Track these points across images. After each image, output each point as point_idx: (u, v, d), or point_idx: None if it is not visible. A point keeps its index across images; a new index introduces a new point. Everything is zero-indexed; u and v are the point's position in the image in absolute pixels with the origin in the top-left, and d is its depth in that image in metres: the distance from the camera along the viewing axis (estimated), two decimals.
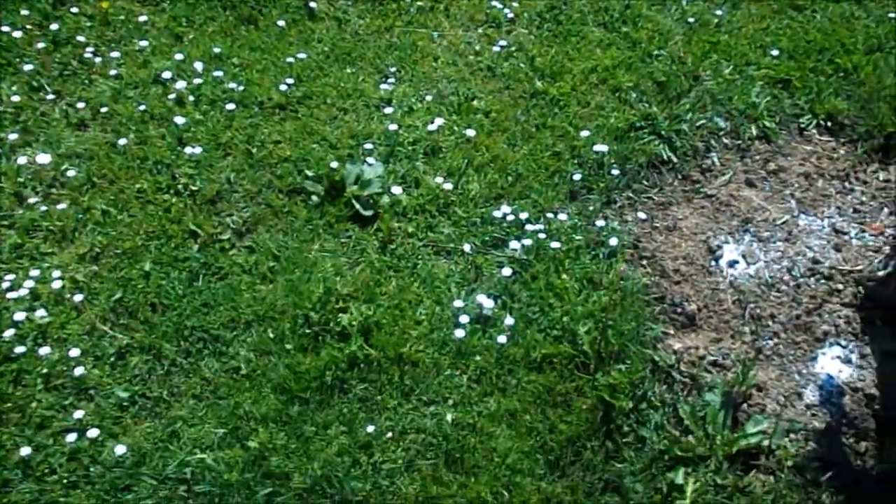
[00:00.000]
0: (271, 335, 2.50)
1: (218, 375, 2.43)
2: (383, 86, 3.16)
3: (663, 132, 2.99)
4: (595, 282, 2.61)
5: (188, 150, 2.90)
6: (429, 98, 3.12)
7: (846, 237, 2.77)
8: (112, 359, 2.45)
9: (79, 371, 2.40)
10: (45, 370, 2.40)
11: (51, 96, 3.09)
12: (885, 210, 2.85)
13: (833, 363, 2.48)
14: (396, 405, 2.36)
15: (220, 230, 2.74)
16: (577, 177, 2.86)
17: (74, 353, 2.43)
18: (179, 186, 2.83)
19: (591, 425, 2.30)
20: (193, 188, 2.83)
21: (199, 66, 3.14)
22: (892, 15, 3.44)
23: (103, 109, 3.03)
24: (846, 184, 2.94)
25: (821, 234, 2.78)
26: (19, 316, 2.49)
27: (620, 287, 2.58)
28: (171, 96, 3.07)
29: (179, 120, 2.97)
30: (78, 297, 2.56)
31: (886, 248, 2.70)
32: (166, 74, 3.11)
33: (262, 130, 3.00)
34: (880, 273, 2.57)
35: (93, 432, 2.30)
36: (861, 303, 2.59)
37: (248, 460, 2.26)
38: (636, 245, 2.74)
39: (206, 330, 2.52)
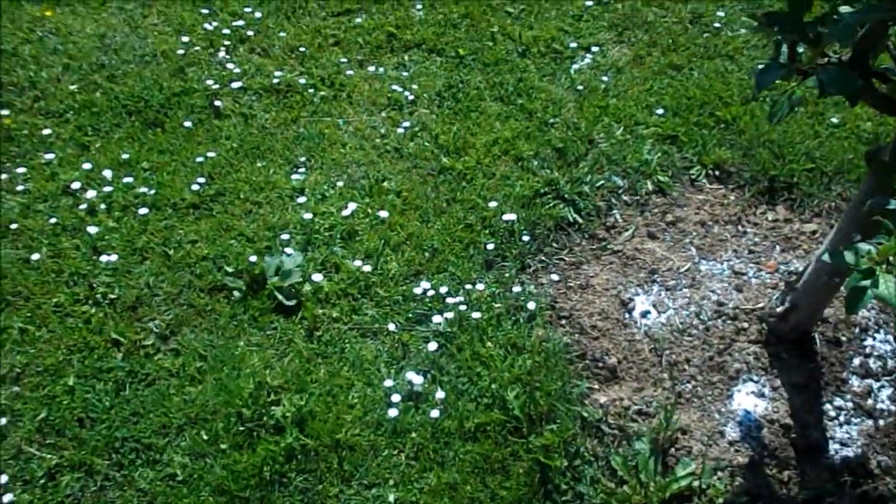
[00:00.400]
0: (205, 437, 2.49)
1: (154, 485, 2.40)
2: (295, 176, 3.24)
3: (567, 196, 3.15)
4: (518, 346, 2.71)
5: (104, 258, 2.90)
6: (340, 184, 3.21)
7: (745, 277, 2.96)
8: (42, 481, 2.39)
9: (7, 498, 2.34)
10: None
11: None
12: (777, 248, 3.06)
13: (748, 399, 2.62)
14: (338, 492, 2.37)
15: (143, 336, 2.73)
16: (490, 246, 2.97)
17: (2, 479, 2.37)
18: (98, 296, 2.82)
19: (529, 488, 2.36)
20: (112, 296, 2.82)
21: (108, 173, 3.16)
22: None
23: (13, 226, 3.00)
24: (739, 227, 3.15)
25: (722, 277, 2.96)
26: None
27: (543, 349, 2.68)
28: (82, 206, 3.07)
29: (92, 229, 2.97)
30: (2, 421, 2.50)
31: (782, 285, 2.89)
32: (75, 185, 3.11)
33: (177, 231, 3.02)
34: (779, 309, 2.75)
35: None
36: (766, 338, 2.76)
37: None
38: (553, 306, 2.86)
39: (138, 439, 2.49)
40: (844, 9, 1.56)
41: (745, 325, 2.81)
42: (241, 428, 2.49)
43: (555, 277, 2.94)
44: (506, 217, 3.04)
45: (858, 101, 1.62)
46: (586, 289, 2.93)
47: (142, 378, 2.63)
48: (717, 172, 3.32)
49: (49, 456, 2.44)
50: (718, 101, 3.56)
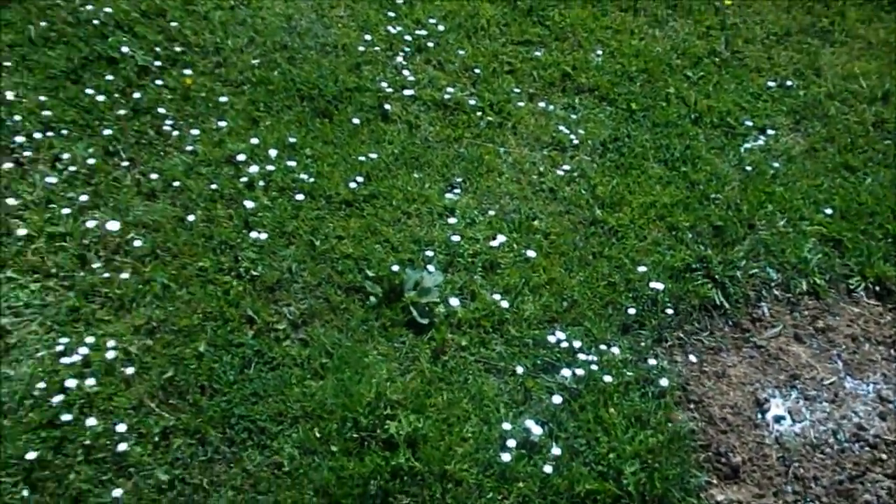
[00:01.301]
0: (318, 434, 2.49)
1: (260, 469, 2.41)
2: (448, 195, 3.23)
3: (717, 277, 3.04)
4: (643, 420, 2.61)
5: (253, 234, 2.95)
6: (491, 213, 3.18)
7: (891, 405, 2.79)
8: (156, 438, 2.43)
9: (122, 447, 2.38)
10: (87, 441, 2.38)
11: (125, 163, 3.15)
12: None
13: None
14: None
15: (276, 319, 2.76)
16: (631, 311, 2.89)
17: (121, 428, 2.41)
18: (241, 269, 2.87)
19: None
20: (254, 273, 2.86)
21: (273, 152, 3.22)
22: None
23: (175, 183, 3.09)
24: (892, 351, 2.97)
25: (866, 399, 2.80)
26: (70, 383, 2.48)
27: (668, 429, 2.58)
28: (243, 179, 3.13)
29: (249, 203, 3.02)
30: (129, 370, 2.55)
31: None
32: (240, 157, 3.18)
33: (327, 224, 3.05)
34: None
35: None
36: None
37: None
38: (684, 387, 2.75)
39: (253, 420, 2.51)
40: None
41: (884, 456, 2.64)
42: (355, 435, 2.48)
43: (692, 359, 2.83)
44: (652, 284, 2.96)
45: None
46: (722, 378, 2.81)
47: (268, 360, 2.65)
48: (877, 288, 3.15)
49: (167, 415, 2.48)
50: (891, 214, 3.39)
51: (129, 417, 2.46)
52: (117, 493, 2.29)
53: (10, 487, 2.30)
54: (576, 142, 3.54)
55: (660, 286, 2.95)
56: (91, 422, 2.41)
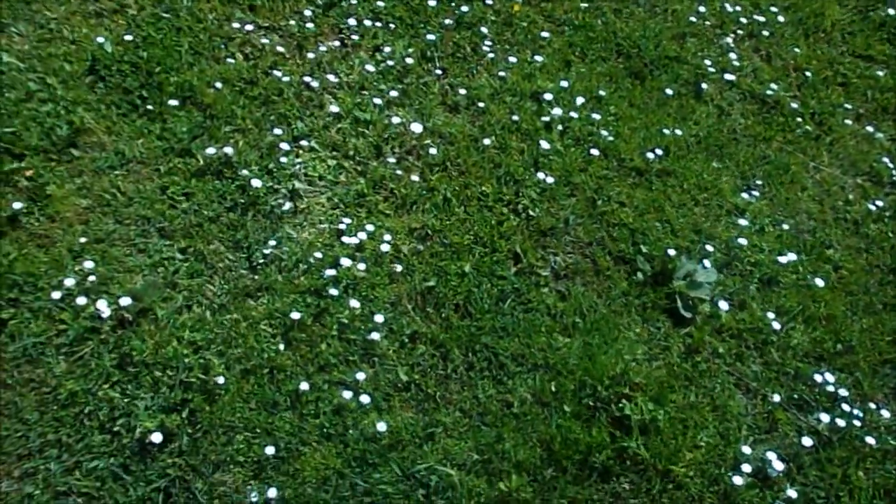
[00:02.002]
0: (553, 388, 2.47)
1: (490, 401, 2.44)
2: (743, 194, 3.04)
3: None
4: (893, 497, 2.38)
5: (540, 174, 2.92)
6: (785, 227, 2.96)
7: None
8: (405, 339, 2.51)
9: (373, 336, 2.48)
10: (345, 320, 2.50)
11: (437, 71, 3.21)
12: None
13: None
14: None
15: (541, 264, 2.75)
16: None
17: (378, 318, 2.51)
18: (520, 206, 2.86)
19: None
20: (531, 213, 2.85)
21: (579, 100, 3.15)
22: None
23: (479, 104, 3.11)
24: None
25: None
26: (344, 261, 2.61)
27: None
28: (544, 118, 3.10)
29: (543, 144, 2.99)
30: (397, 267, 2.65)
31: None
32: (547, 96, 3.14)
33: (613, 186, 2.96)
34: None
35: (364, 398, 2.37)
36: None
37: (491, 500, 2.25)
38: None
39: (496, 353, 2.53)
40: None
41: None
42: (590, 402, 2.44)
43: None
44: None
45: None
46: None
47: (524, 301, 2.65)
48: None
49: (419, 321, 2.56)
50: None
51: (385, 311, 2.56)
52: (360, 376, 2.40)
53: (269, 337, 2.47)
54: None
55: None
56: (353, 303, 2.52)
